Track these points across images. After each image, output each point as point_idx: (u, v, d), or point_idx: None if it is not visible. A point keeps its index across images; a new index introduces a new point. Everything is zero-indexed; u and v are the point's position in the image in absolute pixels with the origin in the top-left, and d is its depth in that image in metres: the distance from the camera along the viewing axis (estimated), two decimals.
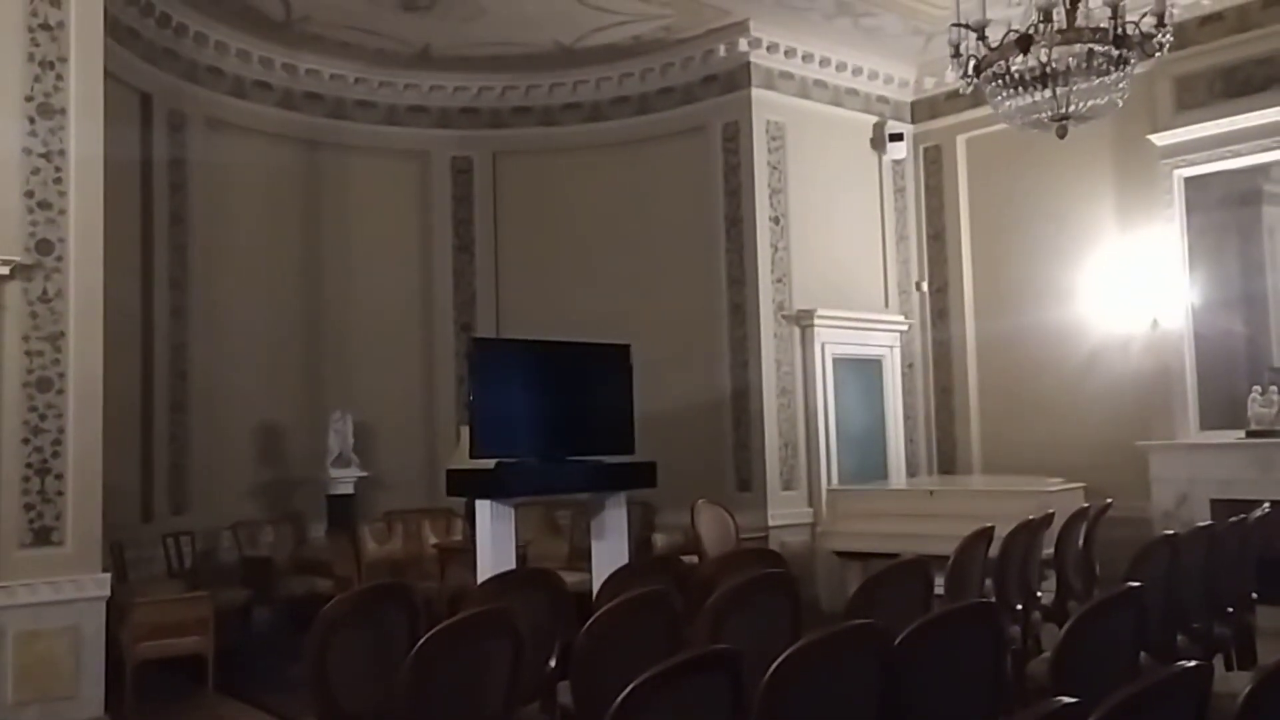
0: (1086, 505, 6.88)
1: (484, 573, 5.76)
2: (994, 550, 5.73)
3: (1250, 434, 8.12)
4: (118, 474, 6.92)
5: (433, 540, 8.96)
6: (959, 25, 5.05)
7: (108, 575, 6.02)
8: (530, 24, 9.08)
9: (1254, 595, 5.78)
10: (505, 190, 10.57)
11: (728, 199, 9.62)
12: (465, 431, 6.91)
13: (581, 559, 7.29)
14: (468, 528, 7.64)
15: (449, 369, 10.29)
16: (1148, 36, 4.90)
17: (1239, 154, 8.32)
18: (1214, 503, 7.94)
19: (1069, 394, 9.31)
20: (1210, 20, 8.43)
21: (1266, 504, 6.20)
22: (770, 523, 9.14)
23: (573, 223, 10.27)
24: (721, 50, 9.46)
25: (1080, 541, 6.42)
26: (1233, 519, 5.84)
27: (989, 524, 5.63)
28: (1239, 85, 8.27)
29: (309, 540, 9.29)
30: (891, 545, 7.11)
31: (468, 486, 6.41)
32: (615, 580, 4.71)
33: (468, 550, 6.92)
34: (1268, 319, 8.59)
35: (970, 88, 5.23)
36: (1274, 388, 8.12)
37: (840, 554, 8.09)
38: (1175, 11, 8.06)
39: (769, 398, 9.33)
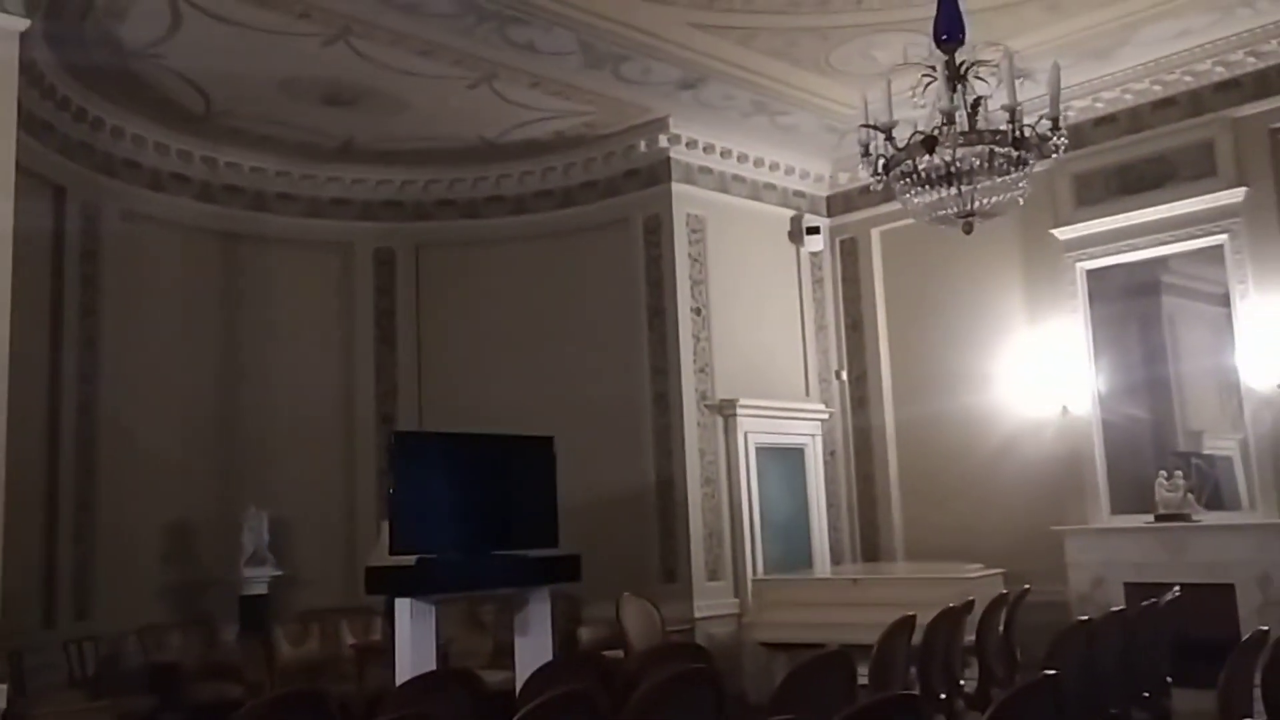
0: (1005, 591, 6.97)
1: (403, 674, 5.60)
2: (917, 638, 5.76)
3: (1159, 518, 8.34)
4: (18, 577, 6.61)
5: (350, 640, 8.69)
6: (867, 126, 5.25)
7: (4, 686, 5.72)
8: (453, 119, 9.20)
9: (1169, 679, 5.88)
10: (428, 282, 10.57)
11: (650, 290, 9.74)
12: (385, 527, 6.78)
13: (505, 655, 7.13)
14: (387, 627, 7.44)
15: (370, 463, 10.11)
16: (1044, 138, 5.14)
17: (1136, 247, 8.72)
18: (1128, 586, 8.10)
19: (986, 479, 9.48)
20: (1105, 121, 8.88)
21: (1177, 587, 6.34)
22: (697, 614, 9.06)
23: (496, 314, 10.29)
24: (642, 145, 9.67)
25: (1001, 628, 6.48)
26: (1145, 603, 5.96)
27: (911, 612, 5.66)
28: (1133, 182, 8.69)
29: (220, 644, 8.93)
30: (817, 635, 7.14)
31: (387, 584, 6.25)
32: (538, 678, 4.61)
33: (387, 650, 6.72)
34: (1170, 404, 8.91)
35: (881, 184, 5.41)
36: (1179, 472, 8.39)
37: (767, 645, 8.05)
38: (1071, 114, 8.53)
39: (693, 487, 9.34)
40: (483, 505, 6.39)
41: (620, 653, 7.74)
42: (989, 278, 9.71)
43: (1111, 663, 5.21)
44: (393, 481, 6.33)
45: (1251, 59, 8.04)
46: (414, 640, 5.80)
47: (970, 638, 6.32)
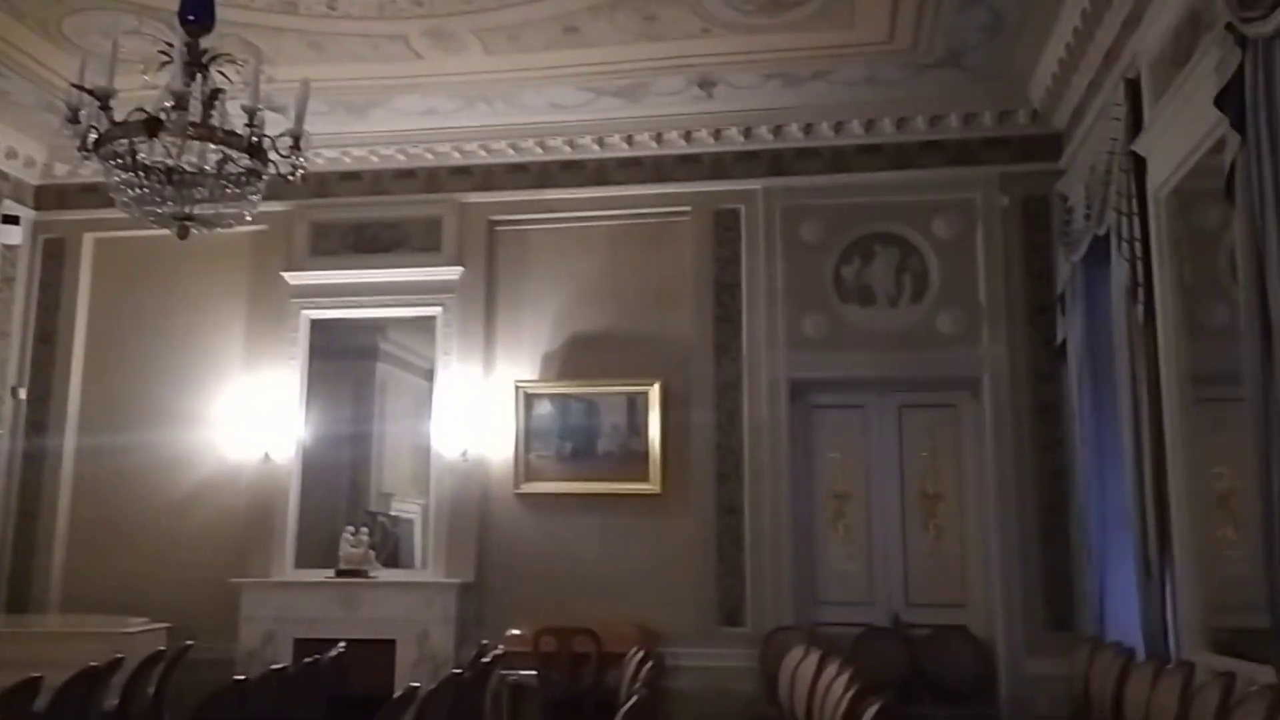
0: (164, 648, 6.28)
1: None
2: (45, 702, 4.83)
3: (340, 573, 8.34)
4: None
5: None
6: (78, 87, 4.43)
7: None
8: None
9: None
10: None
11: None
12: None
13: None
14: None
15: None
16: (284, 157, 4.79)
17: (362, 305, 8.82)
18: (298, 641, 7.93)
19: (171, 526, 8.71)
20: (350, 177, 8.93)
21: (342, 643, 6.26)
22: None
23: None
24: None
25: (152, 689, 5.78)
26: (307, 659, 5.76)
27: (38, 674, 4.72)
28: (367, 241, 8.84)
29: None
30: None
31: None
32: None
33: None
34: (369, 465, 9.09)
35: (87, 160, 4.59)
36: (365, 529, 8.52)
37: None
38: (320, 163, 8.44)
39: None
40: None
41: None
42: (213, 310, 9.09)
43: None
44: None
45: (483, 152, 8.72)
46: None
47: (115, 701, 5.52)
